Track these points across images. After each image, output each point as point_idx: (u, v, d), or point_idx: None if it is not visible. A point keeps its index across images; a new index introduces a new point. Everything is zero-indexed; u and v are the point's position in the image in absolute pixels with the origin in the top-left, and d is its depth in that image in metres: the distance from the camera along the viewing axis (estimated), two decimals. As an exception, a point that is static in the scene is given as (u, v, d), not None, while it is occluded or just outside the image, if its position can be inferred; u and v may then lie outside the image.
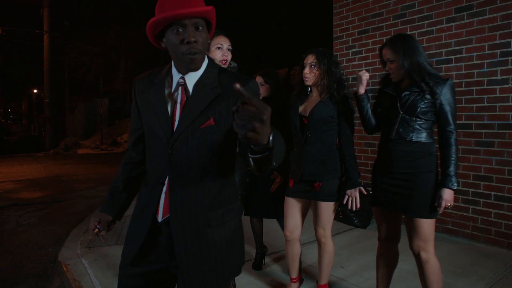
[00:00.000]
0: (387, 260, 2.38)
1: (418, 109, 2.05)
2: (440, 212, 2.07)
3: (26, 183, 8.61)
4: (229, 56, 2.28)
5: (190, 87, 1.32)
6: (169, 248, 1.36)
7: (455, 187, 2.01)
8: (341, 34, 4.96)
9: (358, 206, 2.44)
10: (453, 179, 2.01)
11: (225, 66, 2.22)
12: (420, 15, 4.12)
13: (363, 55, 4.72)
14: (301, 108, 2.50)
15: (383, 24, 4.46)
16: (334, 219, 2.54)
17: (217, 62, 2.20)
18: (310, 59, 2.42)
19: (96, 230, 1.48)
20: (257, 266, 3.19)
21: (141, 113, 1.41)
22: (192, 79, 1.33)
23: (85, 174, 10.09)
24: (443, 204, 2.02)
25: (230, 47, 2.28)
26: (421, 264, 2.11)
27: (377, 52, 4.52)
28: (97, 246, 3.84)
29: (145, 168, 1.44)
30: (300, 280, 2.75)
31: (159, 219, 1.35)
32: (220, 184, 1.33)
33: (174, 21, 1.23)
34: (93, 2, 21.35)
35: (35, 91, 37.45)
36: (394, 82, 2.21)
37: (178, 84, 1.33)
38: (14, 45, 21.28)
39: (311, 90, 2.53)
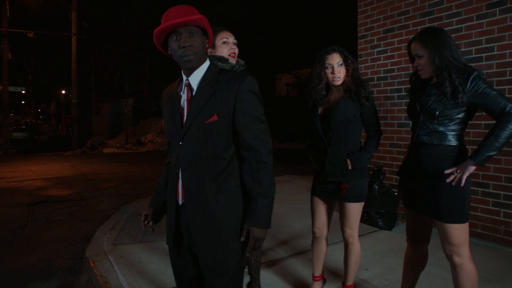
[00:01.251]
0: (413, 263, 2.32)
1: (437, 112, 1.96)
2: (446, 172, 1.92)
3: (55, 181, 8.89)
4: (236, 50, 2.28)
5: (195, 87, 1.54)
6: (187, 229, 1.57)
7: (476, 162, 1.86)
8: (366, 33, 4.89)
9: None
10: (480, 154, 1.86)
11: (234, 60, 2.24)
12: (449, 12, 4.02)
13: (389, 54, 4.63)
14: (321, 110, 2.48)
15: (409, 22, 4.37)
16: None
17: (226, 56, 2.21)
18: (336, 58, 2.37)
19: (146, 222, 1.75)
20: None
21: (163, 117, 1.68)
22: (195, 79, 1.55)
23: (111, 173, 10.33)
24: (452, 170, 1.91)
25: (236, 41, 2.28)
26: (454, 268, 2.02)
27: (403, 51, 4.44)
28: (122, 244, 3.93)
29: None
30: (323, 280, 2.74)
31: (180, 203, 1.57)
32: (224, 171, 1.50)
33: (173, 30, 1.48)
34: (118, 4, 21.81)
35: (63, 92, 38.59)
36: (422, 79, 2.14)
37: (184, 85, 1.56)
38: (43, 48, 22.00)
39: (329, 91, 2.49)
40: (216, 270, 1.50)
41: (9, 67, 18.99)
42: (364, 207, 4.40)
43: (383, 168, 4.60)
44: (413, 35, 2.15)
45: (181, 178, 1.53)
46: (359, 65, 4.99)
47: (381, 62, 4.73)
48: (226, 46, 2.23)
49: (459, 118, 1.98)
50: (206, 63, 1.57)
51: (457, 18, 3.95)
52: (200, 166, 1.49)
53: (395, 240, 3.86)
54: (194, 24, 1.49)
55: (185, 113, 1.52)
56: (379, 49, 4.75)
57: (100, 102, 26.28)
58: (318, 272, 2.69)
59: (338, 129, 2.36)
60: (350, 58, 2.40)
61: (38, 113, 58.10)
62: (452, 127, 1.99)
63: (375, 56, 4.79)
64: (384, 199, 4.30)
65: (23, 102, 57.84)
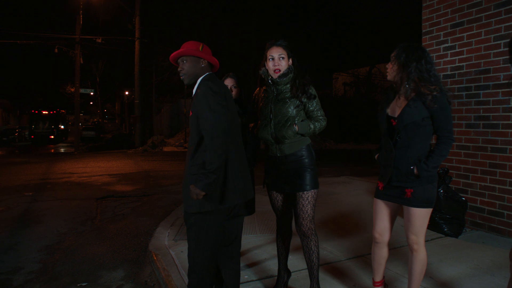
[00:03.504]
0: None
1: None
2: None
3: (120, 177, 9.45)
4: (281, 65, 2.52)
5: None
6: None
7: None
8: (431, 28, 4.64)
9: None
10: None
11: (277, 75, 2.52)
12: (527, 3, 3.69)
13: (457, 50, 4.36)
14: (388, 110, 2.38)
15: (481, 14, 4.07)
16: None
17: (271, 71, 2.55)
18: (392, 53, 2.36)
19: None
20: None
21: None
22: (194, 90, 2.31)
23: (170, 171, 10.76)
24: None
25: (283, 56, 2.52)
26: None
27: (473, 47, 4.15)
28: (182, 239, 4.07)
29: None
30: (384, 285, 2.64)
31: None
32: (196, 152, 2.21)
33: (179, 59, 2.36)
34: (178, 7, 22.62)
35: (127, 93, 40.90)
36: None
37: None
38: (109, 52, 23.44)
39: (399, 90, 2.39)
40: None
41: (80, 71, 20.49)
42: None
43: (449, 171, 4.34)
44: (486, 29, 1.99)
45: None
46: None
47: (448, 59, 4.46)
48: (271, 62, 2.54)
49: None
50: (200, 79, 2.31)
51: (537, 9, 3.62)
52: (189, 149, 2.28)
53: (463, 248, 3.63)
54: (182, 55, 2.31)
55: None
56: (445, 45, 4.48)
57: (161, 102, 27.48)
58: (379, 277, 2.60)
59: (405, 132, 2.25)
60: (416, 55, 2.27)
61: (104, 113, 62.09)
62: None
63: (441, 53, 4.53)
64: (450, 204, 4.05)
65: (91, 103, 62.13)
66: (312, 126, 2.52)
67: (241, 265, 3.32)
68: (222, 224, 2.30)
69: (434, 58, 4.59)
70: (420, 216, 2.28)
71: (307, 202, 2.52)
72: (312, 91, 2.55)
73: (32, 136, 29.05)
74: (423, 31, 4.75)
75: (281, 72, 2.53)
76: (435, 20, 4.59)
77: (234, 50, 22.17)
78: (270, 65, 2.55)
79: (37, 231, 4.76)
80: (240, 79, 3.08)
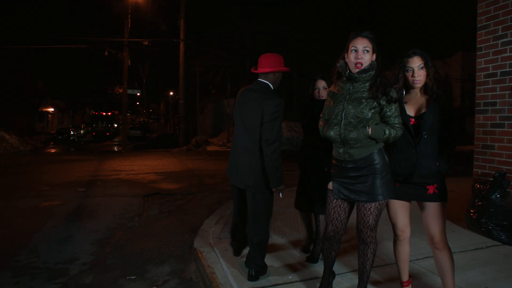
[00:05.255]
0: None
1: None
2: None
3: (165, 175, 9.73)
4: (364, 59, 2.29)
5: None
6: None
7: None
8: (488, 22, 4.37)
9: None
10: None
11: (357, 70, 2.31)
12: None
13: (517, 45, 4.07)
14: (408, 109, 2.44)
15: (545, 7, 3.78)
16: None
17: (351, 65, 2.33)
18: (417, 61, 2.39)
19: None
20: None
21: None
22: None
23: (214, 170, 10.94)
24: None
25: (368, 49, 2.30)
26: None
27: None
28: (226, 238, 4.11)
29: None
30: (411, 285, 2.63)
31: None
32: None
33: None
34: (222, 9, 22.97)
35: (171, 93, 42.05)
36: None
37: None
38: (155, 53, 24.24)
39: (407, 91, 2.49)
40: None
41: (127, 72, 21.35)
42: (482, 217, 3.95)
43: (507, 174, 4.07)
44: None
45: None
46: (478, 60, 4.50)
47: (507, 54, 4.18)
48: (353, 54, 2.31)
49: None
50: None
51: None
52: None
53: (523, 257, 3.39)
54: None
55: None
56: (504, 40, 4.21)
57: (204, 102, 28.02)
58: (406, 277, 2.58)
59: (430, 131, 2.33)
60: (431, 61, 2.41)
61: (150, 113, 64.39)
62: None
63: (499, 49, 4.26)
64: (508, 209, 3.80)
65: (137, 103, 64.61)
66: (387, 132, 2.28)
67: (284, 265, 3.31)
68: None
69: (491, 54, 4.33)
70: (444, 210, 2.37)
71: (369, 213, 2.35)
72: (393, 94, 2.31)
73: (94, 133, 34.61)
74: (478, 25, 4.48)
75: (363, 67, 2.29)
76: (492, 14, 4.32)
77: (276, 47, 22.19)
78: (351, 57, 2.30)
79: (89, 225, 5.01)
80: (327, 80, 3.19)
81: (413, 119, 2.39)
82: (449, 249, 2.38)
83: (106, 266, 3.62)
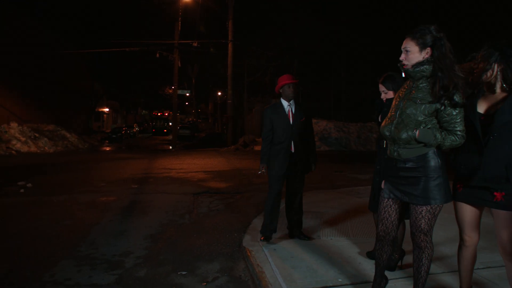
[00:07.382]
0: None
1: None
2: None
3: (214, 174, 9.92)
4: (406, 59, 2.27)
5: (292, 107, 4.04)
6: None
7: None
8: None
9: None
10: None
11: (404, 69, 2.31)
12: None
13: None
14: (479, 106, 2.25)
15: None
16: None
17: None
18: (481, 52, 2.26)
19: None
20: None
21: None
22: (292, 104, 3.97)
23: (260, 169, 10.97)
24: None
25: (408, 49, 2.26)
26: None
27: None
28: (275, 238, 4.11)
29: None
30: None
31: None
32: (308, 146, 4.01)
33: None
34: (270, 10, 23.04)
35: (219, 93, 42.85)
36: None
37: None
38: (204, 54, 24.78)
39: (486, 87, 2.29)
40: None
41: (177, 73, 22.05)
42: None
43: None
44: None
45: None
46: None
47: None
48: (403, 55, 2.30)
49: None
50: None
51: None
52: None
53: None
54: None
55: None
56: None
57: (252, 102, 28.21)
58: (466, 285, 2.43)
59: (501, 131, 2.13)
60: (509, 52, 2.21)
61: (198, 113, 66.08)
62: None
63: None
64: None
65: (186, 103, 66.52)
66: (438, 137, 2.17)
67: (334, 267, 3.24)
68: None
69: None
70: None
71: (420, 216, 2.27)
72: (458, 98, 2.15)
73: (154, 130, 45.09)
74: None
75: (407, 67, 2.27)
76: None
77: (323, 46, 21.89)
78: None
79: (142, 220, 5.21)
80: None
81: (484, 117, 2.22)
82: None
83: (159, 260, 3.75)
